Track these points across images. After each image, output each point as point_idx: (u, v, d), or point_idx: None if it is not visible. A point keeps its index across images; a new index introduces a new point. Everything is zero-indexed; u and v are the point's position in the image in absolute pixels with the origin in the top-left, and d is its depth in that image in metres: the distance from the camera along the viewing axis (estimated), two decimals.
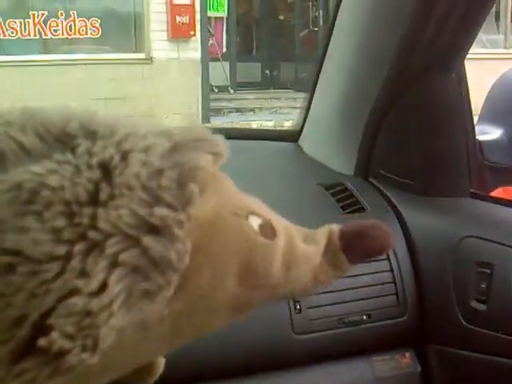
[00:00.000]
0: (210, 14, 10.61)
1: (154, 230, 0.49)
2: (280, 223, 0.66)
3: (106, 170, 0.50)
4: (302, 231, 0.68)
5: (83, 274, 0.47)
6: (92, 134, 0.53)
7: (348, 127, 1.46)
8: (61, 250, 0.47)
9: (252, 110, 10.46)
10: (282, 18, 12.73)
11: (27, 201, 0.47)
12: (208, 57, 10.08)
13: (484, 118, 1.44)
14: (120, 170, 0.50)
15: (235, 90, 11.46)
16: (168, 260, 0.49)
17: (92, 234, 0.48)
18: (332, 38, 1.48)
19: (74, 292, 0.46)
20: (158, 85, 9.50)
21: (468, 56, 1.32)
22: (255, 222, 0.63)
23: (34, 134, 0.52)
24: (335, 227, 0.69)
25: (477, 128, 1.42)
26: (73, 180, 0.49)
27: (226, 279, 0.60)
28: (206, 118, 9.70)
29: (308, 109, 1.56)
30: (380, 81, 1.33)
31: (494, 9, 11.47)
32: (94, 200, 0.49)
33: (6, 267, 0.46)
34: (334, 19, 1.46)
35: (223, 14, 11.12)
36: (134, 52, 9.89)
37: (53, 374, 0.47)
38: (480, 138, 1.39)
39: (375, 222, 0.69)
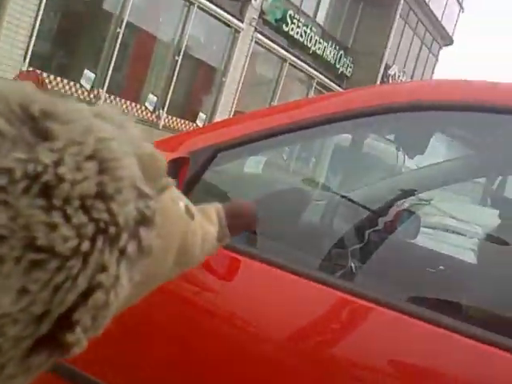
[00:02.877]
0: None
1: (146, 221, 0.53)
2: (190, 203, 0.73)
3: (100, 162, 0.49)
4: (198, 210, 0.77)
5: (102, 268, 0.49)
6: (54, 117, 0.50)
7: None
8: (85, 245, 0.47)
9: None
10: None
11: (45, 194, 0.46)
12: None
13: None
14: (115, 163, 0.50)
15: None
16: (152, 247, 0.54)
17: (112, 230, 0.49)
18: None
19: (97, 287, 0.48)
20: None
21: None
22: (182, 205, 0.69)
23: None
24: (220, 207, 0.82)
25: None
26: (81, 172, 0.48)
27: (168, 258, 0.66)
28: None
29: None
30: None
31: None
32: (101, 194, 0.48)
33: (33, 264, 0.45)
34: None
35: None
36: None
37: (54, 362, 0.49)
38: None
39: (248, 203, 0.85)
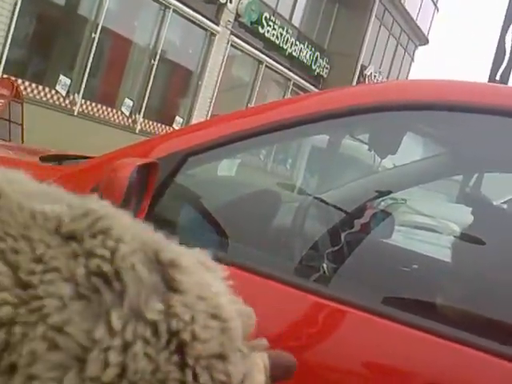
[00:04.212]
0: None
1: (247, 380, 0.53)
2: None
3: (221, 321, 0.51)
4: None
5: None
6: (179, 268, 0.51)
7: None
8: None
9: None
10: None
11: (180, 350, 0.47)
12: None
13: None
14: (231, 323, 0.52)
15: None
16: None
17: None
18: None
19: None
20: None
21: None
22: (260, 364, 0.66)
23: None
24: (266, 357, 0.73)
25: None
26: (208, 331, 0.49)
27: None
28: None
29: None
30: None
31: None
32: (221, 355, 0.49)
33: None
34: None
35: None
36: None
37: None
38: None
39: (287, 354, 0.76)
